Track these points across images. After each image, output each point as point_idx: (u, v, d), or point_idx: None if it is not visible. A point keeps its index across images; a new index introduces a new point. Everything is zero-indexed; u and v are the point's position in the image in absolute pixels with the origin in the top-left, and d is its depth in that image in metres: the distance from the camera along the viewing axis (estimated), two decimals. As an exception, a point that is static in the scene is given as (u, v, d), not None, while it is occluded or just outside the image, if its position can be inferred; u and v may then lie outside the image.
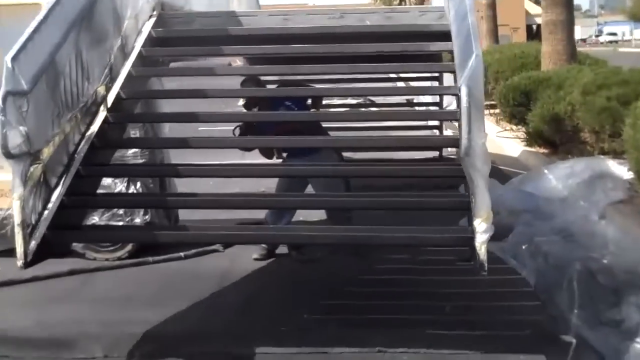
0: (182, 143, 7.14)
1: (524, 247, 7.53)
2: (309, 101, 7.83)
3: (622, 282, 6.17)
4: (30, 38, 5.28)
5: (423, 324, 5.86)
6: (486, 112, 17.27)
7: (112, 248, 7.83)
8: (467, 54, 4.94)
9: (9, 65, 4.99)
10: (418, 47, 6.98)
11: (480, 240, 4.84)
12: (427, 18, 7.43)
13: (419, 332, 5.70)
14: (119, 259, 7.80)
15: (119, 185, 7.80)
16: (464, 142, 4.65)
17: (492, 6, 25.85)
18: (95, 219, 7.75)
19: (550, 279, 6.55)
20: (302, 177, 7.40)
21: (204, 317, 6.27)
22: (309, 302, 6.52)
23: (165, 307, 6.36)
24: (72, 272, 7.39)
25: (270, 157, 7.82)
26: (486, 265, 4.84)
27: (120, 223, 7.76)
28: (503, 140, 15.38)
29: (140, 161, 7.87)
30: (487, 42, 23.92)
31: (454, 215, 6.73)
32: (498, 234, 7.97)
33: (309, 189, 7.56)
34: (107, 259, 7.78)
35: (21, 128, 4.94)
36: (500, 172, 12.12)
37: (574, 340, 5.45)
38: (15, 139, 4.90)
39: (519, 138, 14.70)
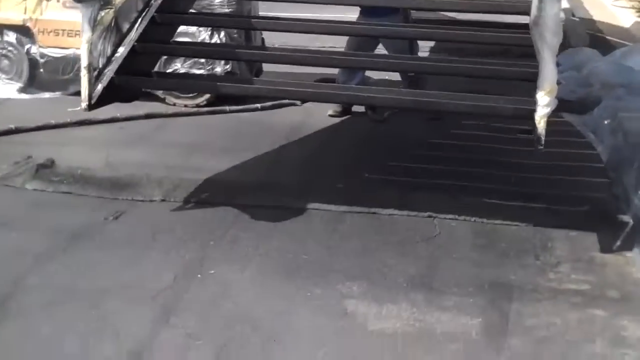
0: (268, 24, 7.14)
1: (606, 122, 7.32)
2: None
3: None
4: None
5: (481, 192, 5.83)
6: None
7: (191, 95, 7.96)
8: None
9: None
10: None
11: (541, 113, 4.68)
12: None
13: (475, 201, 5.68)
14: (198, 105, 7.94)
15: (202, 34, 7.87)
16: (533, 10, 4.46)
17: None
18: (177, 65, 7.90)
19: (624, 157, 6.36)
20: (383, 37, 7.26)
21: (267, 168, 6.39)
22: (373, 161, 6.58)
23: (233, 156, 6.50)
24: (149, 116, 7.58)
25: None
26: (543, 139, 4.69)
27: (201, 71, 7.87)
28: (617, 9, 14.74)
29: (227, 10, 7.89)
30: None
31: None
32: (584, 107, 7.90)
33: (379, 49, 7.46)
34: (185, 105, 7.93)
35: (91, -28, 4.99)
36: (606, 43, 11.70)
37: (630, 221, 5.34)
38: (83, -18, 4.96)
39: (634, 8, 14.04)
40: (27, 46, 8.42)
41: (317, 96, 5.81)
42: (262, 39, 8.73)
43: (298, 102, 7.88)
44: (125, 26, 5.64)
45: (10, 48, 8.45)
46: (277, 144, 6.90)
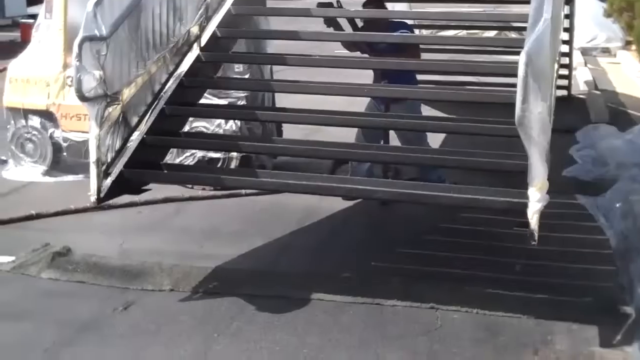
0: (279, 86, 7.35)
1: (617, 205, 7.33)
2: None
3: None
4: (116, -18, 5.49)
5: (485, 282, 5.89)
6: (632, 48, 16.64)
7: (210, 178, 8.11)
8: (538, 17, 4.78)
9: (90, 10, 5.22)
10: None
11: (533, 209, 4.77)
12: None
13: (477, 291, 5.74)
14: (215, 188, 8.08)
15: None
16: (517, 111, 4.55)
17: None
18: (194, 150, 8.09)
19: (632, 244, 6.37)
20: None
21: (276, 256, 6.51)
22: (381, 248, 6.67)
23: (243, 243, 6.64)
24: (166, 200, 7.74)
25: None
26: (537, 234, 4.77)
27: (218, 155, 8.05)
28: (642, 81, 14.81)
29: (243, 96, 8.12)
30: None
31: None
32: (598, 188, 7.94)
33: None
34: (203, 188, 8.08)
35: (96, 72, 5.18)
36: (627, 117, 11.75)
37: (633, 314, 5.35)
38: (89, 83, 5.15)
39: (660, 81, 14.14)
40: (50, 130, 8.64)
41: (321, 189, 5.90)
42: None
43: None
44: (134, 120, 5.84)
45: (34, 132, 8.69)
46: (289, 230, 7.02)
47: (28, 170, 8.72)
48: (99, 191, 5.45)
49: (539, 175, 4.74)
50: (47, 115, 8.63)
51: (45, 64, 8.57)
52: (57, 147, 8.66)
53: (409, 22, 8.89)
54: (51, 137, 8.65)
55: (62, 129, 8.56)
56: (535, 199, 4.78)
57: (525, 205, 4.80)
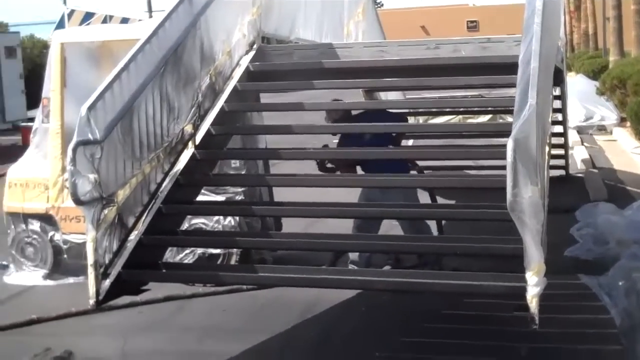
0: (276, 180, 7.39)
1: (620, 283, 7.31)
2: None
3: None
4: (108, 87, 5.58)
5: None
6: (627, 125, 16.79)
7: (210, 275, 8.10)
8: (523, 103, 4.86)
9: (84, 115, 5.30)
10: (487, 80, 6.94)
11: (532, 293, 4.74)
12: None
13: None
14: (216, 285, 8.05)
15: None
16: (508, 196, 4.57)
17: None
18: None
19: (637, 321, 6.34)
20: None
21: (277, 352, 6.47)
22: (385, 338, 6.61)
23: (245, 340, 6.59)
24: (168, 299, 7.70)
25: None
26: (537, 318, 4.74)
27: (218, 250, 8.06)
28: (638, 156, 14.87)
29: (240, 191, 8.15)
30: (636, 50, 22.93)
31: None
32: (600, 267, 7.92)
33: None
34: (204, 285, 8.05)
35: (91, 176, 5.23)
36: (625, 193, 11.78)
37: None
38: (84, 187, 5.19)
39: (656, 154, 14.23)
40: (50, 233, 8.68)
41: (321, 282, 5.90)
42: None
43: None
44: (131, 220, 5.85)
45: (34, 236, 8.73)
46: (291, 324, 6.97)
47: (29, 275, 8.73)
48: (97, 294, 5.44)
49: (535, 259, 4.71)
50: (46, 219, 8.67)
51: (44, 168, 8.66)
52: (57, 250, 8.69)
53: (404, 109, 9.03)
54: (51, 240, 8.69)
55: (62, 232, 8.59)
56: (533, 283, 4.75)
57: (524, 290, 4.78)
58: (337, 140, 8.14)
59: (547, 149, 5.63)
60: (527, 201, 4.59)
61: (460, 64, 7.43)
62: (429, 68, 7.43)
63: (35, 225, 8.72)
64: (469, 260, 6.89)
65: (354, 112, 8.11)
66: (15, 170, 8.96)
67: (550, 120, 6.03)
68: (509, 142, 4.58)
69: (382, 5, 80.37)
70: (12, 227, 8.82)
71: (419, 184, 7.86)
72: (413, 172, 8.37)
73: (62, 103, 8.47)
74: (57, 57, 8.51)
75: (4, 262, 9.04)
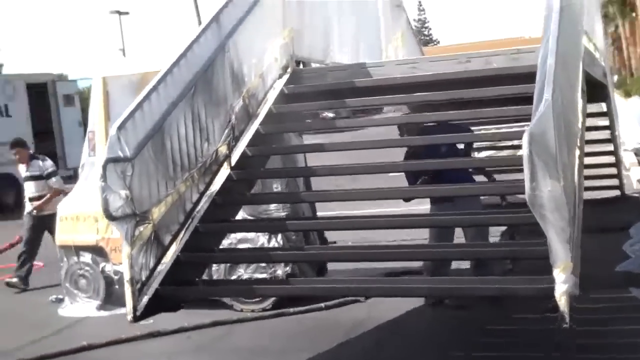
0: (319, 196, 7.40)
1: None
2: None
3: None
4: (138, 107, 5.71)
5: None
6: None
7: (257, 299, 8.13)
8: (540, 99, 4.81)
9: (114, 133, 5.42)
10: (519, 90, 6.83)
11: (560, 290, 4.63)
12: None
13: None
14: (263, 309, 8.08)
15: (261, 239, 8.12)
16: (527, 191, 4.49)
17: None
18: (240, 271, 8.14)
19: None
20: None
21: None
22: (430, 355, 6.55)
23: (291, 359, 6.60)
24: (215, 324, 7.77)
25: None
26: (568, 317, 4.62)
27: (263, 275, 8.08)
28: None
29: (283, 214, 8.16)
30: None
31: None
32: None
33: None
34: (252, 310, 8.09)
35: (122, 192, 5.32)
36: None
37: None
38: (115, 202, 5.29)
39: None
40: (102, 265, 8.82)
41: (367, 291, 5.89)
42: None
43: (362, 299, 7.94)
44: (167, 238, 5.91)
45: (86, 268, 8.88)
46: (336, 342, 6.94)
47: (83, 306, 8.87)
48: (134, 309, 5.53)
49: (560, 256, 4.60)
50: (97, 250, 8.82)
51: (93, 200, 8.77)
52: (109, 281, 8.82)
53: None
54: (102, 271, 8.83)
55: (112, 263, 8.72)
56: (561, 281, 4.63)
57: (552, 290, 4.68)
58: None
59: (577, 152, 5.53)
60: (546, 195, 4.48)
61: (491, 76, 7.39)
62: (462, 81, 7.39)
63: (86, 257, 8.88)
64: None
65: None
66: (65, 205, 9.14)
67: (580, 125, 5.92)
68: (524, 136, 4.52)
69: (439, 42, 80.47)
70: (65, 260, 9.00)
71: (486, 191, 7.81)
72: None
73: (106, 135, 8.60)
74: (100, 91, 8.71)
75: (60, 296, 9.21)
